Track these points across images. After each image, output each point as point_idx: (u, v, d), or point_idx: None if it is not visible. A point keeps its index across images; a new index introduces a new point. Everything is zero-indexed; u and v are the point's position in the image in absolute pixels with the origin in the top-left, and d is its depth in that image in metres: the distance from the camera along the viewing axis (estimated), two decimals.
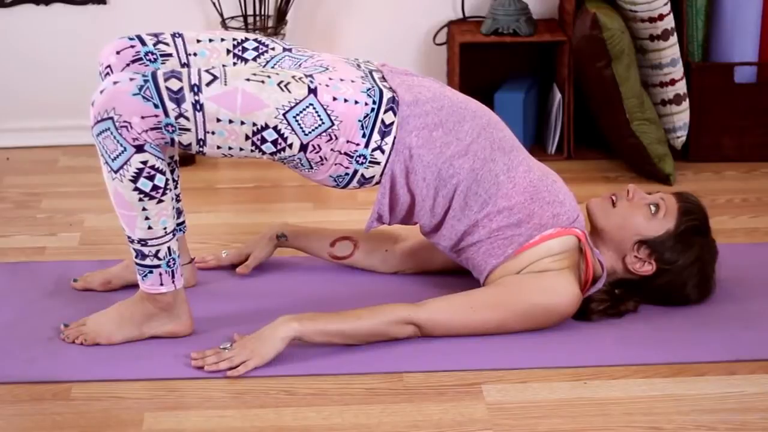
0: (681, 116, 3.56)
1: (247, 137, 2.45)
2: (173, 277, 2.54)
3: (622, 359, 2.53)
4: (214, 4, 3.65)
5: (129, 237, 2.51)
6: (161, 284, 2.53)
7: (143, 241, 2.49)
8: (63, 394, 2.41)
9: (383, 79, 2.59)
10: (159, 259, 2.51)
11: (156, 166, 2.43)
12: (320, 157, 2.50)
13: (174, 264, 2.53)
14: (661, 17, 3.41)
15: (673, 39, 3.46)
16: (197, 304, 2.69)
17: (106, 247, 3.06)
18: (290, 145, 2.47)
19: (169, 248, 2.51)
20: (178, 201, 2.77)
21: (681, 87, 3.53)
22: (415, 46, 3.83)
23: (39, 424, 2.33)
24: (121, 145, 2.40)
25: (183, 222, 2.80)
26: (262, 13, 3.65)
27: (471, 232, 2.60)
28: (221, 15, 3.64)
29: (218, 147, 2.46)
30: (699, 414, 2.35)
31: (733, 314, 2.71)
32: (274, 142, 2.46)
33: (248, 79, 2.44)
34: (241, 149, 2.47)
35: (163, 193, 2.46)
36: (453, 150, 2.55)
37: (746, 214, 3.32)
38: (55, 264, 2.97)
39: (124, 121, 2.39)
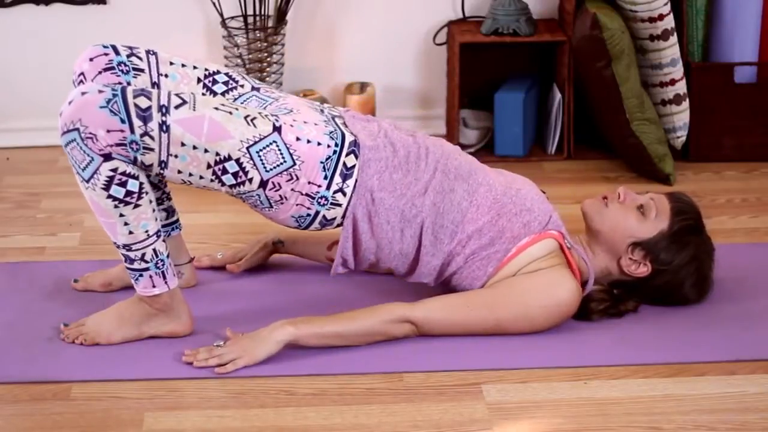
0: (681, 116, 3.56)
1: (208, 166, 2.45)
2: (164, 278, 2.54)
3: (622, 359, 2.53)
4: (214, 4, 3.64)
5: (114, 243, 2.51)
6: (153, 286, 2.53)
7: (127, 246, 2.49)
8: (63, 394, 2.41)
9: (345, 124, 2.61)
10: (146, 262, 2.51)
11: (127, 172, 2.43)
12: (280, 195, 2.50)
13: (163, 265, 2.53)
14: (661, 17, 3.41)
15: (673, 39, 3.46)
16: (197, 304, 2.69)
17: (105, 247, 3.06)
18: (250, 180, 2.48)
19: (155, 250, 2.51)
20: (169, 200, 2.77)
21: (681, 87, 3.53)
22: (415, 46, 3.83)
23: (39, 424, 2.33)
24: (89, 155, 2.40)
25: (176, 221, 2.79)
26: (262, 13, 3.65)
27: (448, 262, 2.61)
28: (221, 15, 3.64)
29: (179, 171, 2.46)
30: (699, 414, 2.35)
31: (733, 314, 2.71)
32: (235, 175, 2.47)
33: (216, 108, 2.45)
34: (201, 177, 2.47)
35: (139, 198, 2.46)
36: (413, 190, 2.57)
37: (746, 214, 3.32)
38: (55, 264, 2.97)
39: (90, 133, 2.38)
